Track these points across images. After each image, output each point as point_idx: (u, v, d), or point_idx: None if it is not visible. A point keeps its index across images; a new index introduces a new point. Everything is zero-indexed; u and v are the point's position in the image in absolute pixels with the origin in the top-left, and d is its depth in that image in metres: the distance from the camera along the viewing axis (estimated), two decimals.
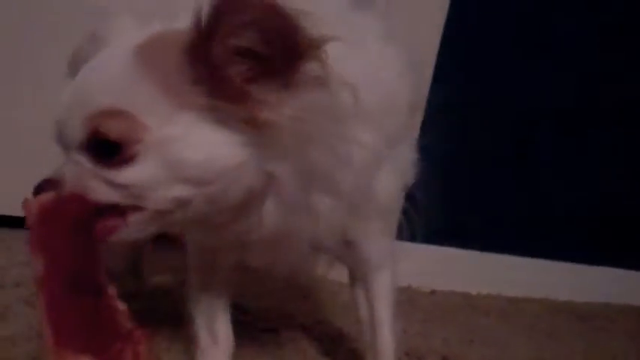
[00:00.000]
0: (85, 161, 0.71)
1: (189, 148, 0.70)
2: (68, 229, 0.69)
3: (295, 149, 0.72)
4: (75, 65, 0.79)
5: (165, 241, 0.95)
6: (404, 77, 0.90)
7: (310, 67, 0.68)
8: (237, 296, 1.04)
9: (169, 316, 1.09)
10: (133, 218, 0.72)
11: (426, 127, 1.61)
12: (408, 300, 1.60)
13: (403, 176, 0.95)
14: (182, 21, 0.73)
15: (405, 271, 1.61)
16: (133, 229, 0.73)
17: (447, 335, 1.39)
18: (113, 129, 0.69)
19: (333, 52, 0.69)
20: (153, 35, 0.74)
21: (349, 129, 0.77)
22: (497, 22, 1.70)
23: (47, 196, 0.70)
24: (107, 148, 0.69)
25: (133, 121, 0.69)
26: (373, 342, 1.01)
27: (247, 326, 1.20)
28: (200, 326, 1.02)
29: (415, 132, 1.02)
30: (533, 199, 1.85)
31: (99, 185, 0.71)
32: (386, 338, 1.01)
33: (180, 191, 0.71)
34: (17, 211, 0.78)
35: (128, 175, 0.70)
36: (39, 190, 0.71)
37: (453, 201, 1.75)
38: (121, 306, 0.69)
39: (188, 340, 1.03)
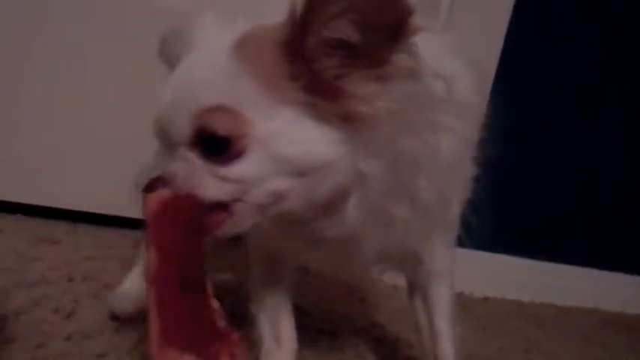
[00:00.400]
0: (195, 158, 0.72)
1: (290, 144, 0.71)
2: (183, 227, 0.70)
3: (389, 144, 0.73)
4: (165, 57, 0.83)
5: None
6: (475, 90, 0.90)
7: (401, 59, 0.69)
8: (297, 298, 1.05)
9: (232, 315, 1.11)
10: (238, 211, 0.74)
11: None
12: (462, 307, 1.59)
13: (467, 188, 0.95)
14: (269, 19, 0.75)
15: (458, 278, 1.62)
16: (237, 222, 0.74)
17: (503, 344, 1.39)
18: (221, 125, 0.70)
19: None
20: (248, 32, 0.74)
21: (442, 117, 0.78)
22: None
23: (164, 193, 0.71)
24: (216, 144, 0.71)
25: (238, 116, 0.70)
26: (434, 352, 1.01)
27: (307, 329, 1.21)
28: (264, 327, 1.02)
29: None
30: (588, 208, 1.83)
31: (210, 182, 0.72)
32: (446, 348, 1.01)
33: (280, 184, 0.73)
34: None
35: (239, 169, 0.72)
36: (151, 187, 0.72)
37: (507, 208, 1.75)
38: (217, 305, 0.70)
39: (250, 341, 1.03)
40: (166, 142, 0.75)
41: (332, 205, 0.77)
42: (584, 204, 1.82)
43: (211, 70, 0.73)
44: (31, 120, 1.47)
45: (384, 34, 0.68)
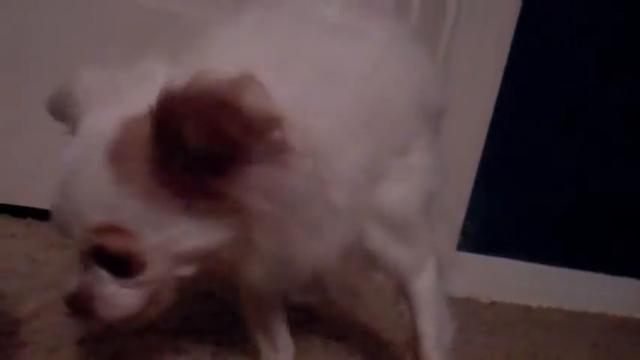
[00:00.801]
0: (104, 274, 0.76)
1: (186, 242, 0.74)
2: None
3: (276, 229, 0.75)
4: (58, 117, 0.83)
5: None
6: (404, 83, 0.86)
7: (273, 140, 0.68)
8: (306, 304, 1.06)
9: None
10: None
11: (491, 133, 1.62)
12: (469, 311, 1.60)
13: (419, 184, 0.90)
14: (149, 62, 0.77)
15: (465, 282, 1.63)
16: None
17: (510, 348, 1.39)
18: (114, 246, 0.73)
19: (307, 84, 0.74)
20: (120, 134, 0.72)
21: (325, 170, 0.76)
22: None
23: None
24: (117, 262, 0.74)
25: (128, 235, 0.72)
26: (416, 355, 0.98)
27: (316, 333, 1.22)
28: (259, 336, 1.06)
29: (437, 136, 0.98)
30: (596, 213, 1.84)
31: (123, 293, 0.76)
32: (427, 348, 0.97)
33: (185, 270, 0.77)
34: None
35: (146, 277, 0.75)
36: (72, 305, 0.77)
37: (514, 212, 1.76)
38: None
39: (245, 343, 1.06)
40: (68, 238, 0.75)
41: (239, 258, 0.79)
42: (593, 209, 1.83)
43: (92, 184, 0.72)
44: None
45: (232, 143, 0.67)
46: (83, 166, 0.73)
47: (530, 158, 1.73)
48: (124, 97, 0.75)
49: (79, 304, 0.77)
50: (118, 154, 0.71)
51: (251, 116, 0.64)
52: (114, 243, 0.72)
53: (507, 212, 1.74)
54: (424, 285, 0.95)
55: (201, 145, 0.65)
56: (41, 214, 1.46)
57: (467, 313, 1.59)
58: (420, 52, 0.93)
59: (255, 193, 0.70)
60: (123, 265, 0.74)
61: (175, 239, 0.73)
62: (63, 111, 0.80)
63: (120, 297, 0.76)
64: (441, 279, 0.98)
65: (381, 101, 0.82)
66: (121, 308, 0.77)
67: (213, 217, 0.73)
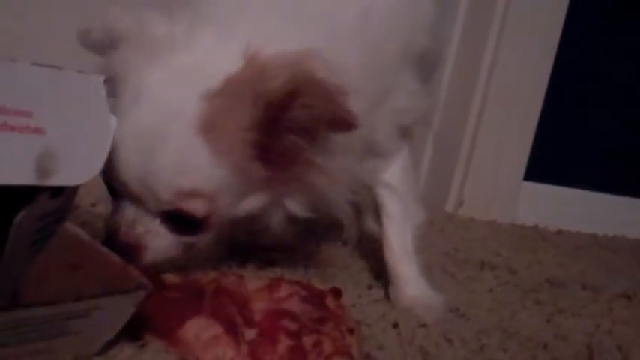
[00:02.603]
0: (162, 230, 0.80)
1: (246, 206, 0.82)
2: None
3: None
4: (88, 46, 0.83)
5: None
6: (393, 37, 0.92)
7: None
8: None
9: None
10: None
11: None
12: (537, 237, 1.63)
13: (398, 118, 0.97)
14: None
15: (531, 211, 1.66)
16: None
17: (583, 267, 1.41)
18: (198, 210, 0.77)
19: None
20: (209, 104, 0.75)
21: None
22: None
23: None
24: (189, 223, 0.79)
25: (212, 201, 0.77)
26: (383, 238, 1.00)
27: None
28: None
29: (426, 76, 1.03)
30: None
31: (171, 249, 0.81)
32: (393, 232, 0.99)
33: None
34: None
35: (204, 237, 0.81)
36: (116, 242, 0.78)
37: (581, 142, 1.77)
38: (213, 275, 0.80)
39: None
40: (127, 197, 0.79)
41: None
42: None
43: (182, 152, 0.75)
44: None
45: (331, 125, 0.76)
46: (169, 131, 0.74)
47: (597, 90, 1.74)
48: (183, 57, 0.78)
49: (124, 246, 0.78)
50: (208, 124, 0.74)
51: (331, 90, 0.72)
52: (195, 207, 0.77)
53: (573, 142, 1.76)
54: (396, 171, 1.00)
55: (302, 118, 0.74)
56: None
57: (534, 238, 1.62)
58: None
59: (329, 154, 0.79)
60: (190, 225, 0.79)
61: (241, 206, 0.81)
62: (99, 47, 0.82)
63: (168, 248, 0.81)
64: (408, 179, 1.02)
65: (374, 52, 0.88)
66: (164, 255, 0.82)
67: (277, 184, 0.80)
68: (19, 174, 0.55)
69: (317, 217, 0.87)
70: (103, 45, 0.80)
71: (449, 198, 1.69)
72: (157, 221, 0.78)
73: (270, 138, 0.76)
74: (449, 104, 1.73)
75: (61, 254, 0.64)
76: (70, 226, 0.67)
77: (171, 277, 0.76)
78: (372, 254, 1.07)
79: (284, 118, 0.75)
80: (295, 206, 0.84)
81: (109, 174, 0.75)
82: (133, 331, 0.69)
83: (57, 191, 0.60)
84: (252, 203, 0.82)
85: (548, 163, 1.74)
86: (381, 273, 1.03)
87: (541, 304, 1.10)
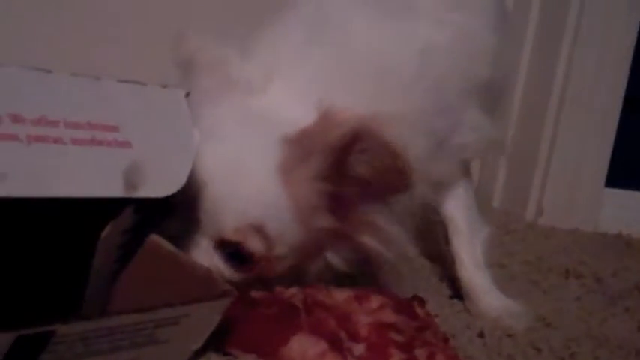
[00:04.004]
0: (216, 258, 0.78)
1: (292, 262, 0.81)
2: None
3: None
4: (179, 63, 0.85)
5: None
6: (453, 74, 0.91)
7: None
8: None
9: None
10: None
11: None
12: (621, 245, 1.59)
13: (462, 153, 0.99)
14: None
15: (614, 218, 1.61)
16: None
17: None
18: (257, 248, 0.77)
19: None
20: (288, 151, 0.77)
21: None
22: None
23: None
24: (244, 258, 0.78)
25: (274, 243, 0.77)
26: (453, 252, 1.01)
27: None
28: None
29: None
30: None
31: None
32: (463, 247, 1.01)
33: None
34: None
35: (245, 278, 0.79)
36: None
37: None
38: (292, 291, 0.78)
39: None
40: (194, 220, 0.78)
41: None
42: None
43: (260, 187, 0.77)
44: None
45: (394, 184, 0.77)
46: (249, 165, 0.77)
47: None
48: (260, 103, 0.81)
49: None
50: (286, 168, 0.77)
51: (392, 143, 0.74)
52: (256, 245, 0.77)
53: None
54: (462, 188, 1.02)
55: (361, 163, 0.75)
56: None
57: (619, 246, 1.57)
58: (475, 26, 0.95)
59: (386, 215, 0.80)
60: (248, 262, 0.78)
61: (292, 257, 0.80)
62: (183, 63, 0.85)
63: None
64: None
65: (437, 90, 0.88)
66: None
67: (333, 240, 0.81)
68: (108, 187, 0.57)
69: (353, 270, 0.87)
70: (185, 63, 0.84)
71: (528, 207, 1.66)
72: (210, 243, 0.78)
73: (336, 188, 0.77)
74: (524, 111, 1.70)
75: (147, 264, 0.66)
76: (154, 237, 0.68)
77: (254, 293, 0.76)
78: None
79: (347, 164, 0.76)
80: (337, 260, 0.84)
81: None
82: (220, 342, 0.70)
83: (139, 206, 0.61)
84: (306, 256, 0.82)
85: (630, 168, 1.69)
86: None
87: (630, 311, 1.07)
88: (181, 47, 0.84)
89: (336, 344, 0.69)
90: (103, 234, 0.58)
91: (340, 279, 0.85)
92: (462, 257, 1.00)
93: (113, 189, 0.56)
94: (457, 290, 1.02)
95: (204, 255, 0.77)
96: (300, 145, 0.76)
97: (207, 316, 0.63)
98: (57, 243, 0.59)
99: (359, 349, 0.70)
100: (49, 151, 0.53)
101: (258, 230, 0.75)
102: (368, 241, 0.81)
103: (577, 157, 1.63)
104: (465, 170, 1.03)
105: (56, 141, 0.54)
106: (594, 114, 1.60)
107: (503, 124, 1.63)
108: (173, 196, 0.72)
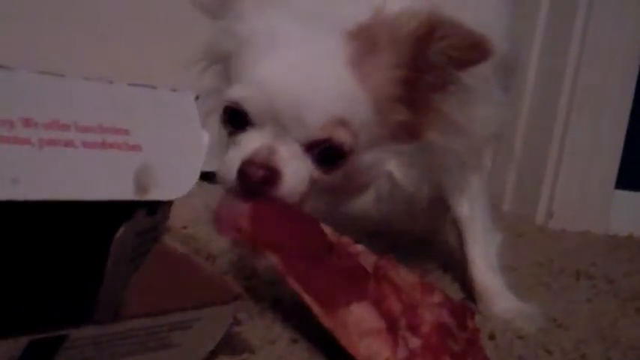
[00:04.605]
0: (308, 161, 0.79)
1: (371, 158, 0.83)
2: (284, 225, 0.76)
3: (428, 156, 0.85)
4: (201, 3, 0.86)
5: None
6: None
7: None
8: None
9: None
10: None
11: None
12: (633, 247, 1.58)
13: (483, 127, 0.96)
14: None
15: (625, 220, 1.61)
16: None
17: None
18: (346, 140, 0.78)
19: None
20: (354, 45, 0.79)
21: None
22: None
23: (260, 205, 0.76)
24: (334, 155, 0.79)
25: (356, 135, 0.78)
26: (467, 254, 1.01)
27: None
28: None
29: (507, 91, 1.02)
30: None
31: (305, 181, 0.80)
32: (476, 248, 1.00)
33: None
34: None
35: (337, 175, 0.80)
36: (253, 187, 0.77)
37: None
38: (359, 248, 0.76)
39: None
40: (265, 125, 0.79)
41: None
42: None
43: (334, 82, 0.78)
44: None
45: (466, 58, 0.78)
46: (321, 64, 0.78)
47: None
48: (309, 5, 0.82)
49: (261, 173, 0.77)
50: (356, 61, 0.78)
51: (471, 30, 0.77)
52: (344, 138, 0.78)
53: None
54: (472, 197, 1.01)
55: (443, 49, 0.77)
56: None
57: (630, 248, 1.57)
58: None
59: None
60: (338, 159, 0.79)
61: (373, 150, 0.82)
62: (211, 8, 0.86)
63: (304, 179, 0.80)
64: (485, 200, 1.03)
65: None
66: (299, 187, 0.79)
67: (407, 134, 0.82)
68: (119, 190, 0.57)
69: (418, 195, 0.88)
70: (216, 7, 0.85)
71: (538, 210, 1.66)
72: (301, 149, 0.79)
73: (413, 76, 0.79)
74: (534, 113, 1.70)
75: (160, 269, 0.66)
76: (166, 241, 0.68)
77: (329, 231, 0.77)
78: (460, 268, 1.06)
79: (426, 56, 0.78)
80: (404, 175, 0.85)
81: (243, 104, 0.79)
82: (231, 346, 0.70)
83: (152, 209, 0.62)
84: (380, 154, 0.83)
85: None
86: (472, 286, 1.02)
87: None
88: None
89: (393, 328, 0.69)
90: (116, 236, 0.58)
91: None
92: (475, 259, 0.99)
93: (124, 192, 0.56)
94: (469, 292, 1.02)
95: (299, 161, 0.79)
96: (364, 37, 0.78)
97: (219, 320, 0.63)
98: (70, 246, 0.59)
99: (415, 342, 0.70)
100: (61, 154, 0.53)
101: (343, 123, 0.77)
102: (439, 137, 0.83)
103: (587, 159, 1.63)
104: (481, 167, 1.02)
105: (67, 144, 0.54)
106: (604, 116, 1.59)
107: (512, 128, 1.63)
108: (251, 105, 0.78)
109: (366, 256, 0.77)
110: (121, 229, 0.59)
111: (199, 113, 0.66)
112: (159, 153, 0.60)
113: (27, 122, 0.51)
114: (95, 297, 0.60)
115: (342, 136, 0.77)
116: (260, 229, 0.75)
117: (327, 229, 0.77)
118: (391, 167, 0.85)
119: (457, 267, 1.08)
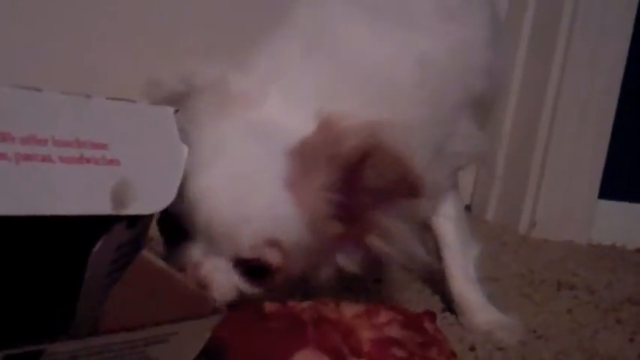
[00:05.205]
0: (236, 277, 0.80)
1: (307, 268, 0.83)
2: None
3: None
4: (155, 98, 0.83)
5: None
6: (451, 86, 0.93)
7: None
8: None
9: None
10: None
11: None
12: (616, 257, 1.59)
13: (455, 161, 0.99)
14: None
15: (610, 230, 1.62)
16: None
17: None
18: (275, 259, 0.78)
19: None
20: (293, 163, 0.78)
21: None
22: None
23: None
24: (262, 272, 0.79)
25: (288, 255, 0.78)
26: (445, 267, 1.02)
27: None
28: None
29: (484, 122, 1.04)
30: None
31: (233, 292, 0.81)
32: (454, 261, 1.02)
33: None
34: None
35: (266, 290, 0.81)
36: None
37: None
38: (304, 305, 0.77)
39: None
40: (195, 239, 0.80)
41: None
42: None
43: (272, 202, 0.78)
44: None
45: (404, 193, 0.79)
46: (259, 182, 0.78)
47: None
48: (260, 115, 0.81)
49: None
50: (293, 180, 0.77)
51: (399, 155, 0.76)
52: (273, 258, 0.78)
53: None
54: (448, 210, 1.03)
55: (372, 179, 0.77)
56: None
57: (613, 258, 1.58)
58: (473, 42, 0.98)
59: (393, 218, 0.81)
60: (262, 274, 0.80)
61: (308, 263, 0.82)
62: (170, 98, 0.83)
63: (231, 290, 0.81)
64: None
65: (434, 102, 0.89)
66: (226, 297, 0.81)
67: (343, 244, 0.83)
68: (96, 204, 0.57)
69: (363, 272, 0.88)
70: (175, 96, 0.83)
71: (521, 219, 1.67)
72: (229, 264, 0.79)
73: (346, 197, 0.78)
74: (517, 124, 1.71)
75: (137, 282, 0.66)
76: (145, 254, 0.68)
77: (269, 305, 0.77)
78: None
79: (357, 179, 0.77)
80: (347, 262, 0.85)
81: (178, 216, 0.77)
82: (211, 358, 0.70)
83: (132, 221, 0.62)
84: (318, 261, 0.84)
85: (623, 180, 1.69)
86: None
87: (623, 323, 1.07)
88: (158, 89, 0.84)
89: (340, 358, 0.69)
90: (94, 249, 0.58)
91: (351, 282, 0.88)
92: (452, 271, 1.00)
93: (102, 206, 0.56)
94: (449, 304, 1.02)
95: (225, 275, 0.79)
96: (304, 155, 0.78)
97: (197, 334, 0.63)
98: (47, 260, 0.59)
99: None
100: (38, 169, 0.53)
101: (274, 244, 0.77)
102: (377, 242, 0.82)
103: (570, 169, 1.64)
104: (455, 184, 1.03)
105: (44, 159, 0.54)
106: (587, 127, 1.61)
107: (495, 138, 1.64)
108: (181, 219, 0.76)
109: (309, 309, 0.77)
110: (99, 243, 0.59)
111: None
112: (138, 167, 0.60)
113: (3, 137, 0.51)
114: (72, 311, 0.60)
115: (270, 257, 0.78)
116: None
117: (267, 305, 0.77)
118: (338, 260, 0.85)
119: (437, 280, 1.08)
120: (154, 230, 0.71)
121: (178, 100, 0.82)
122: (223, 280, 0.79)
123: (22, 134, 0.53)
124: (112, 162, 0.58)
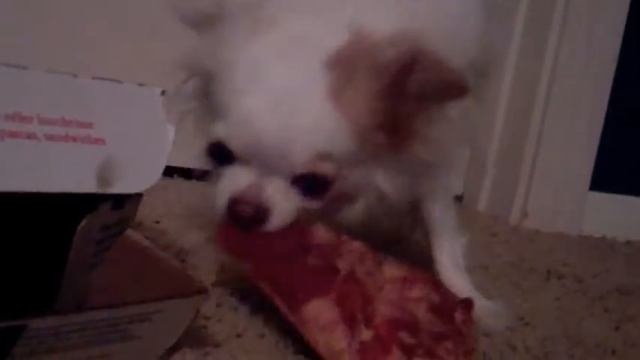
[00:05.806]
0: (294, 194, 0.81)
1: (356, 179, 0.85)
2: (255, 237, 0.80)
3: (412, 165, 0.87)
4: (188, 16, 0.87)
5: None
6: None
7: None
8: None
9: None
10: None
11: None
12: (605, 247, 1.60)
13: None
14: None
15: (600, 222, 1.63)
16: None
17: None
18: (329, 172, 0.80)
19: None
20: (333, 74, 0.79)
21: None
22: None
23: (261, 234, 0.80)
24: (319, 185, 0.81)
25: (339, 165, 0.81)
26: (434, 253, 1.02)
27: None
28: None
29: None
30: None
31: (293, 213, 0.82)
32: (442, 246, 1.02)
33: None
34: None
35: (323, 203, 0.83)
36: (243, 223, 0.81)
37: None
38: (355, 246, 0.82)
39: None
40: (250, 162, 0.81)
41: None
42: None
43: (318, 117, 0.79)
44: None
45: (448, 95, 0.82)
46: (302, 98, 0.79)
47: None
48: (288, 32, 0.82)
49: (249, 211, 0.81)
50: (336, 92, 0.78)
51: (442, 59, 0.79)
52: (328, 170, 0.80)
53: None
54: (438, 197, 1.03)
55: (421, 83, 0.79)
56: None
57: (603, 249, 1.58)
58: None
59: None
60: (322, 188, 0.82)
61: (357, 173, 0.84)
62: (197, 22, 0.86)
63: (292, 212, 0.82)
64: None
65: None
66: (287, 220, 0.82)
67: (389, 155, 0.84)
68: (81, 183, 0.57)
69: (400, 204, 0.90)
70: (202, 21, 0.85)
71: (513, 210, 1.67)
72: (287, 184, 0.80)
73: (390, 105, 0.80)
74: (509, 115, 1.72)
75: (123, 261, 0.66)
76: (131, 233, 0.69)
77: (318, 234, 0.80)
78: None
79: (405, 85, 0.79)
80: (390, 184, 0.87)
81: (226, 141, 0.80)
82: (196, 339, 0.70)
83: (118, 203, 0.62)
84: (364, 172, 0.85)
85: (614, 171, 1.70)
86: None
87: (609, 311, 1.08)
88: (188, 5, 0.86)
89: (350, 321, 0.72)
90: (79, 227, 0.59)
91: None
92: (441, 258, 1.00)
93: (86, 184, 0.57)
94: None
95: (283, 198, 0.81)
96: (343, 66, 0.78)
97: (180, 313, 0.64)
98: (32, 237, 0.60)
99: (367, 334, 0.72)
100: (23, 146, 0.54)
101: (325, 157, 0.79)
102: (420, 150, 0.84)
103: (561, 160, 1.64)
104: (445, 177, 1.03)
105: (30, 137, 0.54)
106: (579, 117, 1.61)
107: (487, 130, 1.64)
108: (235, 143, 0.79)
109: (348, 256, 0.78)
110: (84, 221, 0.59)
111: (176, 111, 0.67)
112: (123, 147, 0.61)
113: None
114: (56, 288, 0.61)
115: (325, 169, 0.80)
116: (234, 241, 0.80)
117: (319, 231, 0.81)
118: (377, 179, 0.87)
119: (427, 266, 1.09)
120: (142, 214, 0.71)
121: (208, 23, 0.85)
122: (285, 201, 0.81)
123: (7, 111, 0.53)
124: (97, 141, 0.59)
